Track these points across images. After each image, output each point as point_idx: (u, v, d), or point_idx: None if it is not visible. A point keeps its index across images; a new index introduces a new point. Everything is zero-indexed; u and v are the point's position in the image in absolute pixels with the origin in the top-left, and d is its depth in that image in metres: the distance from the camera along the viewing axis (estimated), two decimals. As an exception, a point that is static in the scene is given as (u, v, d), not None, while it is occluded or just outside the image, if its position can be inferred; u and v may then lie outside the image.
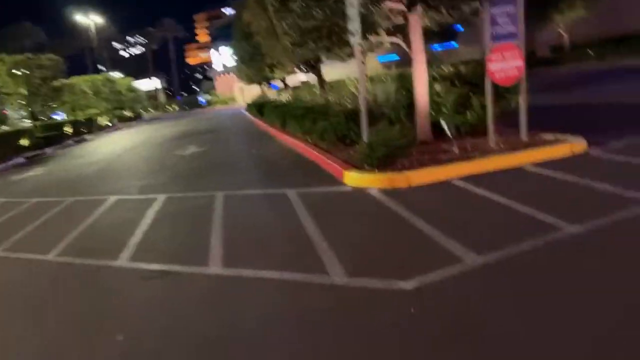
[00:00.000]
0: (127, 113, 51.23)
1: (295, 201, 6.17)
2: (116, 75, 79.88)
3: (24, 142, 23.86)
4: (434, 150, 7.44)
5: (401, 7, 7.04)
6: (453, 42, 33.90)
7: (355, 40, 6.43)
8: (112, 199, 8.34)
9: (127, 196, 8.43)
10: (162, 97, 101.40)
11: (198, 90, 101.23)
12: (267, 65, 20.07)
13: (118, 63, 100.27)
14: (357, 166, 6.97)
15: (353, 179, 6.66)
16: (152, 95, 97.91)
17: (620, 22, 29.40)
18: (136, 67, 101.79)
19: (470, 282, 3.25)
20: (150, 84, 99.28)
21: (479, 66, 8.03)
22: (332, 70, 35.75)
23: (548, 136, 7.27)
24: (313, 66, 16.61)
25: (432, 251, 3.88)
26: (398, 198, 5.60)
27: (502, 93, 7.70)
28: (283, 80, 26.52)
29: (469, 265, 3.48)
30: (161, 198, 7.71)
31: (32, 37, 72.56)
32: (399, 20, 8.19)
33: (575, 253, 3.50)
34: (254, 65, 22.51)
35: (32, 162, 19.74)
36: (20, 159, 20.96)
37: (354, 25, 6.34)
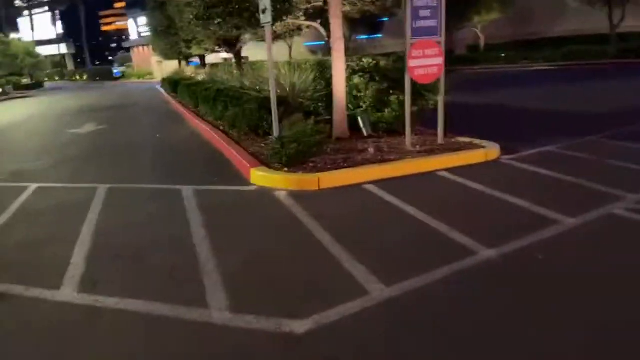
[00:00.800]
0: (26, 80, 45.78)
1: (189, 202, 5.37)
2: (14, 37, 71.41)
3: None
4: (349, 148, 6.98)
5: None
6: (379, 34, 34.08)
7: (265, 19, 5.68)
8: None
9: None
10: (70, 65, 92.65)
11: (113, 60, 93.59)
12: (183, 40, 18.52)
13: (16, 24, 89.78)
14: (267, 163, 6.31)
15: (260, 178, 5.98)
16: (58, 62, 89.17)
17: (532, 26, 31.40)
18: (41, 30, 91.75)
19: (374, 322, 2.76)
20: (56, 49, 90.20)
21: (400, 61, 7.67)
22: (257, 51, 34.48)
23: (464, 139, 7.12)
24: (232, 45, 15.52)
25: (334, 278, 3.35)
26: (306, 204, 5.02)
27: (421, 91, 7.41)
28: (202, 58, 24.88)
29: (374, 300, 2.99)
30: (31, 188, 6.49)
31: None
32: (319, 4, 7.59)
33: (490, 283, 3.16)
34: (168, 39, 20.75)
35: None
36: None
37: (264, 2, 5.59)
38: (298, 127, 6.53)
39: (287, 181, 5.73)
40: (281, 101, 8.36)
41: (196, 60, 27.42)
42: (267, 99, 8.36)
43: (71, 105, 22.19)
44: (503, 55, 29.45)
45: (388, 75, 7.89)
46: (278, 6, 6.85)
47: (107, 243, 4.33)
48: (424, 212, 4.49)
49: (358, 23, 26.63)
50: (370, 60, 8.24)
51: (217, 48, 17.11)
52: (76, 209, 5.40)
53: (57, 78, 76.97)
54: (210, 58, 29.00)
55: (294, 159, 5.94)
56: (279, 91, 9.51)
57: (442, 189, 5.48)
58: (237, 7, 6.72)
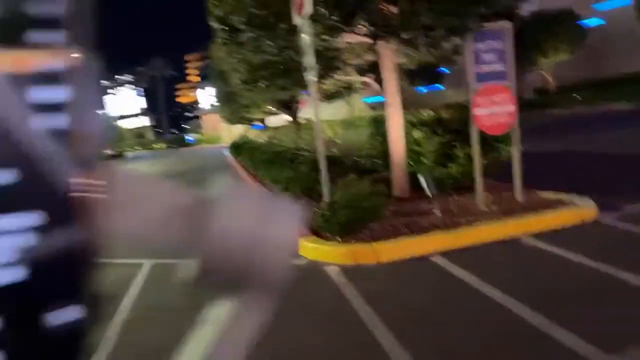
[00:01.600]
0: (108, 151, 49.76)
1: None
2: (102, 112, 79.09)
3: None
4: (411, 210, 6.17)
5: (367, 40, 5.91)
6: (439, 85, 33.45)
7: (311, 76, 5.23)
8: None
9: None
10: (150, 135, 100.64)
11: (186, 128, 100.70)
12: (243, 105, 19.03)
13: (105, 100, 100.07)
14: (317, 231, 5.65)
15: (309, 250, 5.30)
16: (140, 133, 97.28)
17: (608, 63, 29.29)
18: (125, 106, 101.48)
19: None
20: (138, 122, 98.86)
21: (464, 111, 6.90)
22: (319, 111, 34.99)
23: (548, 195, 6.05)
24: (289, 107, 15.57)
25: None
26: (360, 284, 4.24)
27: (491, 142, 6.54)
28: (262, 121, 25.53)
29: None
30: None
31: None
32: (370, 57, 7.13)
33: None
34: (230, 105, 21.51)
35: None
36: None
37: (309, 59, 5.16)
38: (352, 188, 5.87)
39: (339, 254, 5.00)
40: (334, 161, 7.84)
41: (259, 123, 28.22)
42: (318, 159, 7.89)
43: (156, 170, 23.30)
44: (577, 97, 27.45)
45: (451, 127, 7.12)
46: (324, 64, 6.43)
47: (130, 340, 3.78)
48: (513, 298, 3.52)
49: (416, 74, 26.29)
50: (431, 113, 7.55)
51: (275, 110, 17.27)
52: (117, 288, 5.00)
53: (138, 148, 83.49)
54: (273, 120, 29.79)
55: (347, 226, 5.23)
56: (334, 150, 9.08)
57: (532, 262, 4.44)
58: (281, 67, 6.42)
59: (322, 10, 4.84)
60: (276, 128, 23.43)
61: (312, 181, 7.70)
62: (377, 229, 5.45)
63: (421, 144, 7.41)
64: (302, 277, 4.79)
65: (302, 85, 6.76)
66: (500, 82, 5.84)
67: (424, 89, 32.15)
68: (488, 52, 5.87)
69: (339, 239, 5.24)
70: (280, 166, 9.55)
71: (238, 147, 20.69)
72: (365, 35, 5.66)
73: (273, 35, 5.82)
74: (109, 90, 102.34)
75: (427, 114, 7.59)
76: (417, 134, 7.33)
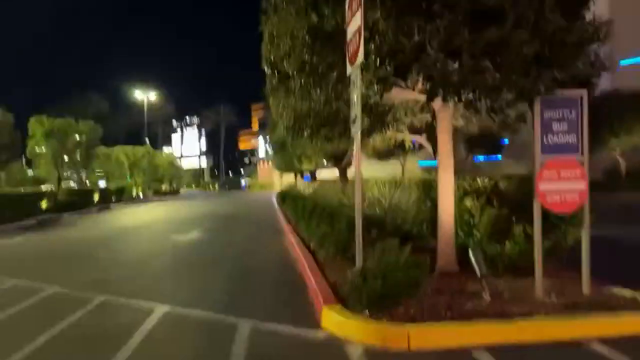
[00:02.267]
0: (165, 187, 51.79)
1: (238, 347, 4.20)
2: (167, 150, 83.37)
3: (44, 204, 23.39)
4: (456, 289, 5.40)
5: (421, 97, 5.46)
6: (498, 156, 32.27)
7: (355, 129, 4.81)
8: (49, 291, 6.68)
9: (65, 290, 6.75)
10: (206, 176, 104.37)
11: (242, 173, 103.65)
12: (295, 155, 19.08)
13: (170, 139, 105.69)
14: (345, 300, 5.00)
15: (332, 321, 4.65)
16: (197, 173, 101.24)
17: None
18: (188, 145, 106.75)
19: None
20: (197, 162, 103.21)
21: (525, 183, 6.18)
22: (372, 167, 34.82)
23: (622, 292, 5.10)
24: (340, 160, 15.30)
25: None
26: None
27: (555, 222, 5.73)
28: (312, 172, 25.47)
29: None
30: (95, 302, 5.94)
31: (96, 106, 77.73)
32: (426, 116, 6.69)
33: None
34: (282, 154, 21.68)
35: (40, 225, 18.82)
36: (32, 221, 20.16)
37: (355, 110, 4.77)
38: (390, 256, 5.23)
39: (366, 332, 4.31)
40: (376, 222, 7.26)
41: (309, 175, 28.25)
42: (363, 219, 7.33)
43: (192, 212, 23.60)
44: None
45: (508, 199, 6.39)
46: (373, 118, 6.05)
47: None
48: None
49: (475, 143, 25.56)
50: (486, 181, 6.87)
51: (326, 163, 17.06)
52: (116, 338, 4.56)
53: (193, 187, 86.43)
54: (325, 173, 29.73)
55: (378, 299, 4.56)
56: (377, 210, 8.49)
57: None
58: (327, 117, 6.10)
59: (374, 58, 4.49)
60: (324, 181, 23.22)
61: (348, 241, 7.11)
62: (414, 306, 4.73)
63: (474, 214, 6.70)
64: (317, 354, 4.13)
65: (348, 137, 6.40)
66: (572, 156, 5.14)
67: (481, 158, 31.09)
68: (559, 121, 5.24)
69: (368, 313, 4.56)
70: (318, 220, 9.05)
71: (284, 196, 20.58)
72: (420, 91, 5.24)
73: (323, 84, 5.55)
74: (177, 130, 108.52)
75: (482, 182, 6.91)
76: (469, 202, 6.64)
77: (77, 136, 24.55)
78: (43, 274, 8.02)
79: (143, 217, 21.08)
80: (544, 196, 5.07)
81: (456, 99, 5.10)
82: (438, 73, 4.33)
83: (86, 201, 28.43)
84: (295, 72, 5.70)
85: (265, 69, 6.27)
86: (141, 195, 40.81)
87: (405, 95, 5.96)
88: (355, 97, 4.75)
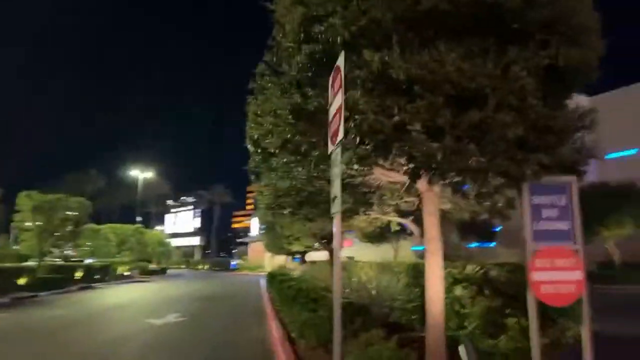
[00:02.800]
0: (152, 266, 50.28)
1: None
2: (158, 229, 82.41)
3: (22, 281, 22.35)
4: (445, 390, 4.82)
5: (403, 178, 5.29)
6: (492, 243, 31.83)
7: (334, 208, 4.56)
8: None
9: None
10: (197, 255, 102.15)
11: (233, 253, 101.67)
12: (284, 236, 18.67)
13: (163, 219, 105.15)
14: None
15: None
16: (188, 252, 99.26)
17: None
18: (181, 224, 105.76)
19: None
20: (189, 241, 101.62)
21: (518, 271, 5.84)
22: (366, 251, 34.07)
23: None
24: (328, 242, 14.90)
25: None
26: None
27: (553, 316, 5.30)
28: (302, 254, 24.83)
29: None
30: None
31: (93, 183, 78.15)
32: (413, 198, 6.48)
33: None
34: (272, 236, 21.26)
35: (14, 304, 17.75)
36: (6, 299, 19.05)
37: (335, 189, 4.55)
38: (372, 351, 4.73)
39: None
40: (360, 310, 6.76)
41: (299, 256, 27.56)
42: (348, 305, 6.83)
43: (174, 293, 22.60)
44: (649, 273, 24.75)
45: (501, 289, 5.99)
46: (356, 198, 5.84)
47: None
48: None
49: (468, 230, 25.32)
50: (477, 268, 6.50)
51: (316, 245, 16.63)
52: None
53: (183, 266, 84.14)
54: (315, 255, 29.02)
55: (356, 403, 4.00)
56: (364, 297, 7.99)
57: None
58: (307, 196, 5.88)
59: (354, 136, 4.38)
60: (314, 262, 22.55)
61: (331, 330, 6.56)
62: (398, 411, 4.15)
63: (465, 304, 6.26)
64: None
65: (330, 218, 6.12)
66: (565, 244, 4.87)
67: (474, 245, 30.63)
68: (549, 208, 5.03)
69: (344, 419, 3.98)
70: (301, 306, 8.47)
71: (271, 278, 19.81)
72: (405, 173, 5.08)
73: (305, 162, 5.41)
74: (172, 210, 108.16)
75: (472, 268, 6.55)
76: (460, 291, 6.23)
77: (65, 212, 24.13)
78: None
79: (122, 298, 20.09)
80: (537, 287, 4.70)
81: (441, 181, 4.92)
82: (420, 153, 4.19)
83: (67, 279, 27.26)
84: (277, 150, 5.58)
85: (249, 146, 6.18)
86: (126, 274, 39.39)
87: (389, 176, 5.81)
88: (335, 175, 4.56)
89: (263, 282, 27.76)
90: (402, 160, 4.75)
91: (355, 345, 4.99)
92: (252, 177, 6.80)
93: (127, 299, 19.23)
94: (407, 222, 6.53)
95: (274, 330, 9.38)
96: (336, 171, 4.66)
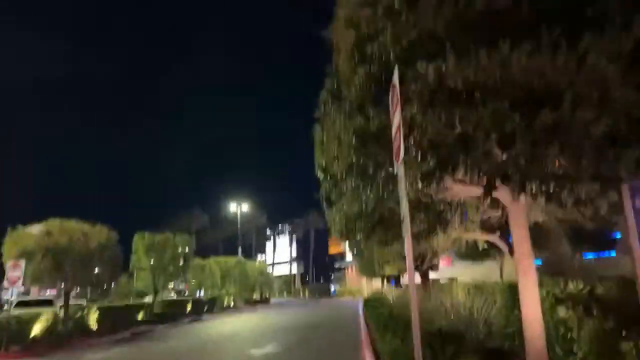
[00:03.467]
0: (256, 295, 52.34)
1: None
2: (260, 258, 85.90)
3: (140, 316, 24.48)
4: None
5: (470, 191, 4.89)
6: (611, 251, 28.26)
7: (405, 231, 4.33)
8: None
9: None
10: (297, 282, 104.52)
11: (332, 279, 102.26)
12: (376, 260, 18.34)
13: (264, 247, 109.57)
14: None
15: None
16: (288, 280, 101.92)
17: None
18: (280, 253, 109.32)
19: None
20: (289, 268, 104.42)
21: (630, 286, 5.05)
22: (459, 270, 32.25)
23: None
24: (420, 264, 14.33)
25: None
26: None
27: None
28: (396, 277, 24.14)
29: None
30: None
31: (197, 221, 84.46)
32: (496, 213, 5.98)
33: None
34: (364, 260, 21.02)
35: (133, 339, 19.42)
36: (127, 334, 20.97)
37: (402, 209, 4.34)
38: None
39: None
40: (453, 336, 6.31)
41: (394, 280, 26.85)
42: (432, 333, 6.43)
43: (276, 322, 23.16)
44: None
45: (614, 308, 5.21)
46: (431, 217, 5.52)
47: None
48: None
49: (580, 238, 22.86)
50: (580, 285, 5.75)
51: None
52: None
53: (285, 294, 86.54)
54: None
55: None
56: (459, 322, 7.48)
57: None
58: (378, 218, 5.69)
59: (415, 153, 4.16)
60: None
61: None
62: None
63: (571, 327, 5.55)
64: None
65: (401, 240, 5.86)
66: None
67: (591, 256, 27.45)
68: (659, 210, 4.34)
69: None
70: (393, 333, 8.14)
71: (367, 303, 19.49)
72: (478, 184, 4.71)
73: (372, 184, 5.27)
74: (270, 238, 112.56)
75: (574, 286, 5.80)
76: (562, 312, 5.54)
77: (172, 249, 26.21)
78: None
79: (228, 328, 21.00)
80: (654, 304, 4.02)
81: (526, 190, 4.47)
82: (488, 165, 3.85)
83: (179, 312, 29.39)
84: (344, 175, 5.52)
85: (318, 173, 6.20)
86: (232, 305, 41.41)
87: (469, 191, 5.43)
88: (401, 195, 4.36)
89: (360, 308, 27.45)
90: (475, 174, 4.41)
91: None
92: (325, 205, 6.80)
93: (231, 330, 20.06)
94: (495, 239, 6.01)
95: (371, 356, 9.11)
96: (402, 190, 4.46)
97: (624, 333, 4.93)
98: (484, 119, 3.80)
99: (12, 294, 17.48)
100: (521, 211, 5.50)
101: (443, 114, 3.94)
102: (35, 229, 16.27)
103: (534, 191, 4.51)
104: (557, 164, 4.20)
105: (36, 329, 16.11)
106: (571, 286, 5.79)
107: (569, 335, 5.51)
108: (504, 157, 3.93)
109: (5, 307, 19.34)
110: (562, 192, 4.55)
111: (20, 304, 23.24)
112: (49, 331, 16.45)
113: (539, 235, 18.70)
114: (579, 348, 5.24)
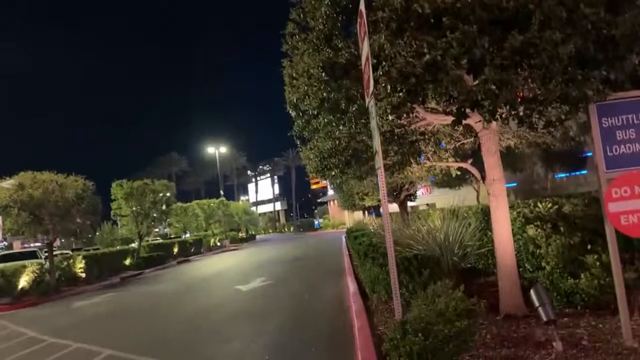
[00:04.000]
0: (241, 234, 53.35)
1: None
2: (243, 199, 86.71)
3: (127, 261, 24.81)
4: (522, 336, 4.58)
5: (444, 119, 4.89)
6: (583, 170, 29.26)
7: (377, 164, 4.34)
8: (106, 353, 6.74)
9: (120, 353, 6.77)
10: (282, 219, 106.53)
11: (315, 213, 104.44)
12: (355, 193, 18.65)
13: (246, 189, 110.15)
14: (386, 358, 4.39)
15: (369, 384, 4.06)
16: (273, 217, 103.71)
17: None
18: (262, 192, 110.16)
19: None
20: (272, 207, 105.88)
21: (594, 203, 5.28)
22: (438, 196, 33.13)
23: None
24: (398, 194, 14.64)
25: None
26: None
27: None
28: (377, 208, 24.74)
29: None
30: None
31: (177, 165, 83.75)
32: (469, 140, 6.03)
33: None
34: (343, 194, 21.35)
35: (121, 284, 19.80)
36: (116, 279, 21.32)
37: (375, 143, 4.32)
38: (438, 302, 4.58)
39: (404, 399, 3.68)
40: (428, 261, 6.58)
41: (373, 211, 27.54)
42: (409, 259, 6.69)
43: (261, 258, 23.78)
44: None
45: (579, 224, 5.46)
46: (404, 149, 5.53)
47: None
48: None
49: (553, 159, 23.54)
50: (548, 205, 5.97)
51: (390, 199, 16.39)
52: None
53: (270, 231, 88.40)
54: (390, 208, 28.78)
55: (419, 358, 3.91)
56: (435, 246, 7.77)
57: None
58: (351, 154, 5.68)
59: (384, 85, 4.07)
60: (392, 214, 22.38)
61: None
62: (468, 362, 4.02)
63: (540, 244, 5.83)
64: None
65: (372, 174, 5.91)
66: (645, 167, 4.27)
67: (563, 175, 28.44)
68: (623, 129, 4.41)
69: (411, 374, 3.93)
70: (372, 261, 8.46)
71: (350, 234, 20.07)
72: (448, 113, 4.67)
73: (345, 120, 5.20)
74: (252, 180, 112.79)
75: (543, 206, 6.02)
76: (532, 231, 5.80)
77: (152, 195, 26.05)
78: (105, 337, 8.20)
79: (214, 268, 21.52)
80: (615, 218, 4.21)
81: (497, 116, 4.47)
82: (459, 92, 3.80)
83: (166, 255, 29.89)
84: (316, 111, 5.42)
85: (290, 110, 6.07)
86: (218, 244, 42.25)
87: (442, 119, 5.41)
88: (373, 129, 4.32)
89: (344, 238, 28.31)
90: (444, 102, 4.36)
91: (421, 298, 4.87)
92: (298, 143, 6.73)
93: (218, 269, 20.59)
94: (468, 166, 6.11)
95: (349, 287, 9.53)
96: (374, 124, 4.41)
97: (589, 247, 5.23)
98: (453, 44, 3.70)
99: (-7, 250, 17.40)
100: (492, 137, 5.56)
101: (412, 42, 3.81)
102: (7, 183, 15.85)
103: (504, 116, 4.52)
104: (526, 87, 4.18)
105: (23, 281, 16.27)
106: (540, 206, 6.02)
107: (537, 252, 5.81)
108: (474, 83, 3.88)
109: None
110: (532, 115, 4.57)
111: (4, 257, 23.29)
112: (36, 282, 16.63)
113: (512, 159, 19.14)
114: (546, 263, 5.54)
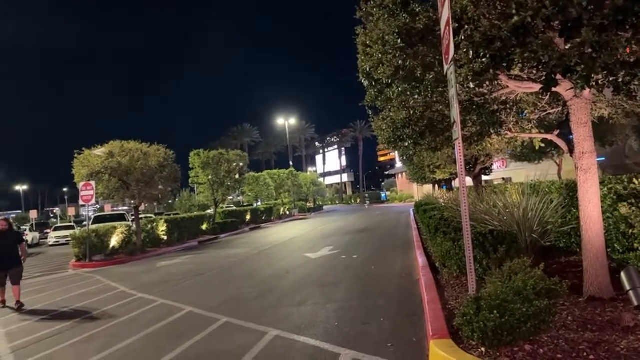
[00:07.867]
0: (309, 204, 54.47)
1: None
2: (311, 170, 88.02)
3: (204, 226, 26.33)
4: (607, 320, 4.29)
5: (529, 87, 4.51)
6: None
7: (455, 135, 4.16)
8: (187, 310, 7.28)
9: (199, 310, 7.28)
10: (349, 191, 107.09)
11: (382, 186, 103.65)
12: (426, 166, 18.18)
13: (314, 160, 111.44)
14: (458, 333, 4.31)
15: (439, 358, 4.02)
16: (339, 188, 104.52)
17: None
18: (330, 164, 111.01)
19: None
20: (339, 178, 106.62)
21: None
22: (516, 171, 31.42)
23: None
24: (472, 167, 14.06)
25: None
26: None
27: None
28: (448, 181, 23.99)
29: None
30: (219, 323, 6.24)
31: (249, 136, 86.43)
32: (556, 110, 5.57)
33: None
34: (414, 166, 20.88)
35: (200, 247, 21.12)
36: (194, 242, 22.81)
37: (453, 113, 4.13)
38: (516, 280, 4.40)
39: (477, 375, 3.60)
40: (504, 237, 6.31)
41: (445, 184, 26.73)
42: (484, 234, 6.44)
43: (329, 228, 24.17)
44: None
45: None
46: (484, 118, 5.22)
47: None
48: None
49: (650, 132, 21.37)
50: (645, 181, 5.42)
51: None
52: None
53: (337, 202, 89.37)
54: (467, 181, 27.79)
55: (493, 335, 3.80)
56: (512, 223, 7.43)
57: None
58: (426, 124, 5.46)
59: (466, 50, 3.83)
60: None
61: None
62: (547, 344, 3.85)
63: (634, 224, 5.35)
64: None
65: (449, 144, 5.69)
66: None
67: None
68: None
69: (483, 350, 3.84)
70: (443, 235, 8.27)
71: (417, 208, 19.74)
72: (535, 80, 4.33)
73: (421, 89, 5.00)
74: (320, 151, 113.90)
75: (639, 182, 5.48)
76: (624, 209, 5.32)
77: (227, 164, 27.26)
78: (186, 295, 8.84)
79: (284, 235, 22.22)
80: None
81: (592, 83, 4.08)
82: (550, 57, 3.49)
83: (240, 221, 31.37)
84: (390, 80, 5.26)
85: (362, 80, 5.95)
86: (287, 213, 43.54)
87: (526, 87, 5.04)
88: (451, 97, 4.12)
89: (412, 212, 27.92)
90: (528, 67, 4.04)
91: (496, 275, 4.70)
92: (370, 113, 6.60)
93: (288, 236, 21.24)
94: (554, 137, 5.67)
95: (418, 260, 9.42)
96: (453, 92, 4.21)
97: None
98: (546, 3, 3.38)
99: (88, 211, 19.24)
100: (584, 106, 5.10)
101: (498, 3, 3.54)
102: (99, 151, 17.27)
103: (600, 83, 4.11)
104: (628, 50, 3.75)
105: (114, 241, 17.87)
106: (636, 182, 5.48)
107: (630, 232, 5.34)
108: (567, 47, 3.55)
109: (85, 222, 21.36)
110: (632, 81, 4.11)
111: (97, 219, 25.70)
112: (125, 242, 18.21)
113: (602, 130, 17.56)
114: (639, 243, 5.09)
